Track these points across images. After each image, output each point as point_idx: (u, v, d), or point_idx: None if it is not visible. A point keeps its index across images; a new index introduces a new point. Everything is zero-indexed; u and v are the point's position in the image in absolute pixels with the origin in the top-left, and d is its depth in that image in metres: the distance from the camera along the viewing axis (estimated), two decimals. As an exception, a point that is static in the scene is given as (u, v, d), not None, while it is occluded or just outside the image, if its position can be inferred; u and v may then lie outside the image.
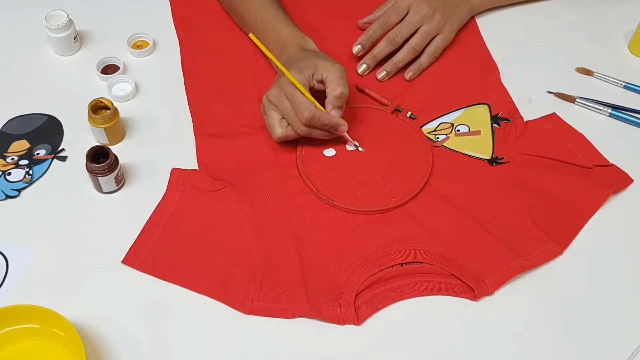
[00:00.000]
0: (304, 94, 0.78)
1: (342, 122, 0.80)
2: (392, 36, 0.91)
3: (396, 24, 0.92)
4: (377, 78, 0.93)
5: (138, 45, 0.95)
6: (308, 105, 0.77)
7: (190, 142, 0.85)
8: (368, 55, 0.93)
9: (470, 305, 0.73)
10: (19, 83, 0.91)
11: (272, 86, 0.80)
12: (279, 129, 0.80)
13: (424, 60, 0.93)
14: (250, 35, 0.79)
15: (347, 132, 0.82)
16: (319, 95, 0.80)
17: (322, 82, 0.80)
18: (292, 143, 0.84)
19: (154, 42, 0.95)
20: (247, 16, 0.92)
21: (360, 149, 0.83)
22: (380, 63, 0.94)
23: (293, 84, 0.78)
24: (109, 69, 0.92)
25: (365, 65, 0.93)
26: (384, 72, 0.93)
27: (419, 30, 0.91)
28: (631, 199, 0.82)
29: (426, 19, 0.91)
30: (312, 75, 0.80)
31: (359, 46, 0.93)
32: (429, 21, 0.91)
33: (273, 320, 0.71)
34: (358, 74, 0.93)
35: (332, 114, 0.80)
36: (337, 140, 0.84)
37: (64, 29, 0.91)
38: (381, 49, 0.92)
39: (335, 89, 0.79)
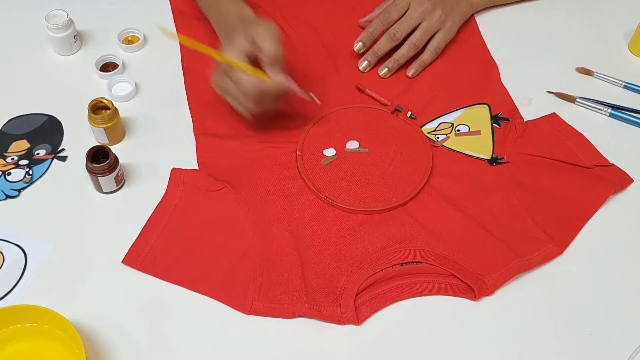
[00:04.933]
0: (244, 71, 0.73)
1: (289, 82, 0.75)
2: (393, 32, 0.92)
3: (397, 21, 0.92)
4: (378, 75, 0.93)
5: (129, 41, 0.95)
6: (250, 80, 0.72)
7: (190, 142, 0.85)
8: (369, 52, 0.93)
9: (470, 305, 0.73)
10: (19, 83, 0.91)
11: (213, 73, 0.76)
12: (246, 111, 0.76)
13: (426, 56, 0.93)
14: (178, 36, 0.75)
15: (296, 87, 0.77)
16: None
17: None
18: (292, 142, 0.84)
19: (145, 37, 0.95)
20: None
21: (316, 99, 0.79)
22: (381, 60, 0.94)
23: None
24: (108, 67, 0.92)
25: (366, 62, 0.93)
26: (386, 69, 0.93)
27: (420, 26, 0.91)
28: (631, 199, 0.82)
29: (426, 14, 0.91)
30: (251, 46, 0.74)
31: (360, 43, 0.93)
32: (430, 17, 0.91)
33: (273, 320, 0.71)
34: (359, 71, 0.93)
35: (276, 79, 0.74)
36: (337, 141, 0.84)
37: (64, 29, 0.91)
38: (382, 46, 0.92)
39: (268, 52, 0.73)
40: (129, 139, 0.86)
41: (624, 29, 1.00)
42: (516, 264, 0.74)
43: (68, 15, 0.91)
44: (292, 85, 0.77)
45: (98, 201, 0.80)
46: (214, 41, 0.95)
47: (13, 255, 0.75)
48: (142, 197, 0.79)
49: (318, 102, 0.79)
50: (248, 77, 0.74)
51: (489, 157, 0.84)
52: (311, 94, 0.80)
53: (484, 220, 0.78)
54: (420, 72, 0.93)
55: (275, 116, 0.83)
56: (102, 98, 0.83)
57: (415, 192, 0.80)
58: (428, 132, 0.87)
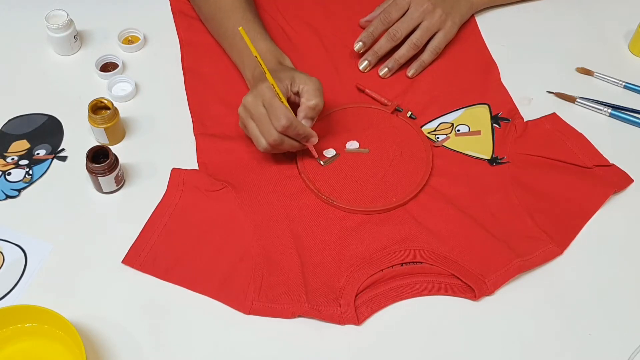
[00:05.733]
0: (281, 101, 0.76)
1: (314, 133, 0.79)
2: (393, 32, 0.92)
3: (397, 20, 0.92)
4: (378, 75, 0.93)
5: (129, 41, 0.95)
6: (286, 111, 0.75)
7: (190, 142, 0.85)
8: (369, 51, 0.93)
9: (470, 305, 0.73)
10: (19, 83, 0.91)
11: (248, 93, 0.78)
12: (263, 140, 0.77)
13: (426, 56, 0.93)
14: (240, 29, 0.76)
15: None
16: (293, 108, 0.79)
17: (298, 94, 0.79)
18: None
19: (145, 37, 0.95)
20: (225, 28, 0.90)
21: (322, 163, 0.82)
22: (382, 60, 0.94)
23: (271, 90, 0.76)
24: (108, 67, 0.92)
25: (366, 62, 0.93)
26: (386, 69, 0.93)
27: (420, 25, 0.91)
28: (631, 199, 0.82)
29: (427, 14, 0.91)
30: (290, 86, 0.79)
31: (360, 43, 0.93)
32: (430, 17, 0.91)
33: (273, 320, 0.71)
34: (359, 71, 0.93)
35: (307, 125, 0.78)
36: (337, 141, 0.84)
37: (64, 29, 0.91)
38: (382, 45, 0.92)
39: (310, 99, 0.77)
40: (129, 139, 0.86)
41: (624, 29, 1.00)
42: (516, 264, 0.74)
43: (68, 15, 0.91)
44: (315, 139, 0.79)
45: (98, 201, 0.80)
46: (216, 45, 0.95)
47: (13, 255, 0.75)
48: (142, 197, 0.79)
49: (322, 163, 0.83)
50: (283, 106, 0.76)
51: (489, 157, 0.84)
52: (320, 159, 0.83)
53: (484, 220, 0.78)
54: (420, 72, 0.93)
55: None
56: (102, 98, 0.83)
57: (415, 192, 0.80)
58: (428, 132, 0.87)
